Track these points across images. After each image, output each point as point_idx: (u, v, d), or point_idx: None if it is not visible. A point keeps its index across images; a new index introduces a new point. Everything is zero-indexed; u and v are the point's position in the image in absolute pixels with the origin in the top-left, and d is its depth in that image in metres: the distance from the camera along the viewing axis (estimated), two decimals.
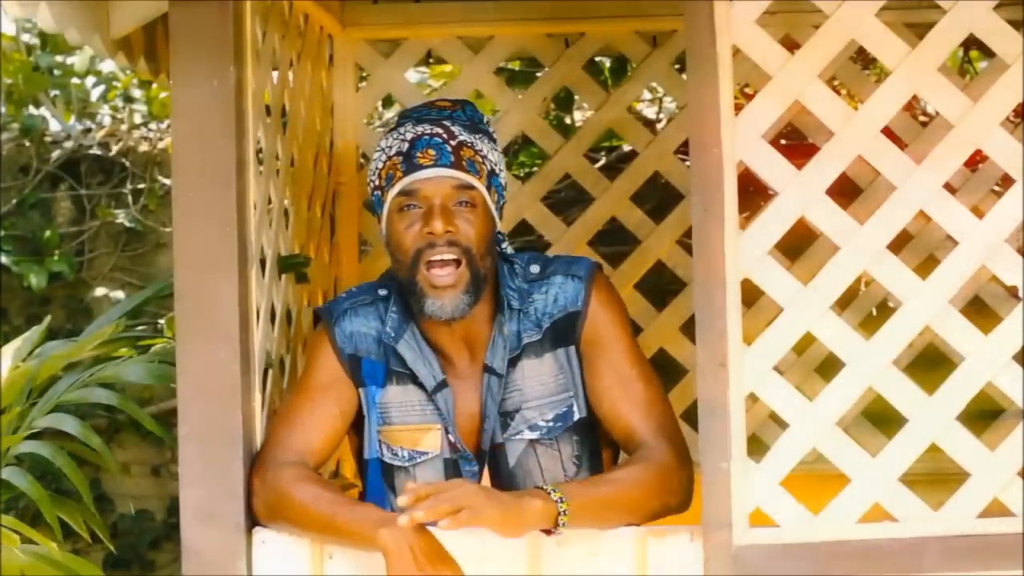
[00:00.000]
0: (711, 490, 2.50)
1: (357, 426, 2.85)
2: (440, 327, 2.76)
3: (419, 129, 2.75)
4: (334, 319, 2.82)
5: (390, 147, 2.76)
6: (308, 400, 2.76)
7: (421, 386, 2.78)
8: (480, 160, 2.75)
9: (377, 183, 2.78)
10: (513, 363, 2.77)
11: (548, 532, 2.52)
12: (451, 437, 2.77)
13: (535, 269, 2.82)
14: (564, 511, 2.49)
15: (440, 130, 2.74)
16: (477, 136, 2.77)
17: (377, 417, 2.80)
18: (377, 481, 2.82)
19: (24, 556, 2.83)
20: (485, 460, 2.79)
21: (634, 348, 2.80)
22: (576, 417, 2.78)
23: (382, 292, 2.84)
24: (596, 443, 2.81)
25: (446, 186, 2.71)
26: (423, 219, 2.70)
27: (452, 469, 2.78)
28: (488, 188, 2.75)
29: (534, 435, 2.77)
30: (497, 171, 2.79)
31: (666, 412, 2.74)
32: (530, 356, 2.77)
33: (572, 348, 2.77)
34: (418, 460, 2.79)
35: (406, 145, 2.74)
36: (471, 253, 2.70)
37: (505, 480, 2.77)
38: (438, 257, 2.69)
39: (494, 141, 2.82)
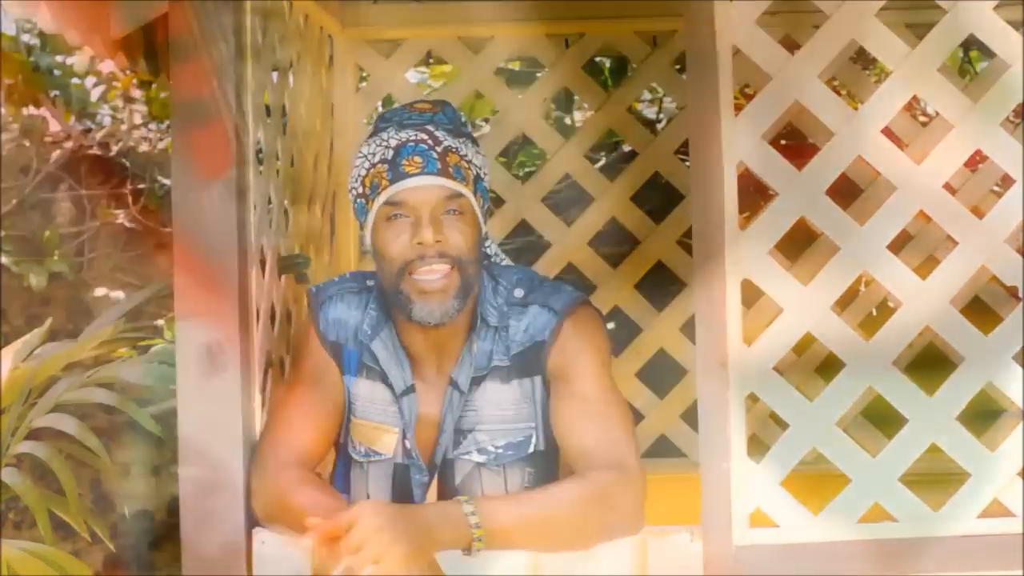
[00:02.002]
0: (711, 490, 2.50)
1: None
2: (416, 331, 2.72)
3: (403, 136, 2.68)
4: (320, 304, 2.80)
5: (373, 154, 2.69)
6: (301, 395, 2.73)
7: (389, 386, 2.75)
8: (466, 165, 2.69)
9: (361, 191, 2.71)
10: (478, 382, 2.72)
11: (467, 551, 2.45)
12: (407, 443, 2.75)
13: (519, 294, 2.74)
14: (479, 537, 2.43)
15: (425, 136, 2.67)
16: (461, 140, 2.71)
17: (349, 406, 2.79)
18: (342, 467, 2.82)
19: (16, 551, 2.83)
20: (436, 471, 2.74)
21: (604, 378, 2.67)
22: (532, 448, 2.72)
23: (370, 283, 2.80)
24: (553, 478, 2.71)
25: (434, 195, 2.65)
26: (412, 229, 2.64)
27: (402, 474, 2.76)
28: (475, 194, 2.70)
29: (481, 459, 2.71)
30: (482, 175, 2.73)
31: (623, 438, 2.59)
32: (495, 380, 2.72)
33: (538, 378, 2.70)
34: (372, 459, 2.77)
35: (390, 152, 2.67)
36: (461, 261, 2.65)
37: (451, 495, 2.71)
38: (426, 267, 2.63)
39: (476, 144, 2.76)
